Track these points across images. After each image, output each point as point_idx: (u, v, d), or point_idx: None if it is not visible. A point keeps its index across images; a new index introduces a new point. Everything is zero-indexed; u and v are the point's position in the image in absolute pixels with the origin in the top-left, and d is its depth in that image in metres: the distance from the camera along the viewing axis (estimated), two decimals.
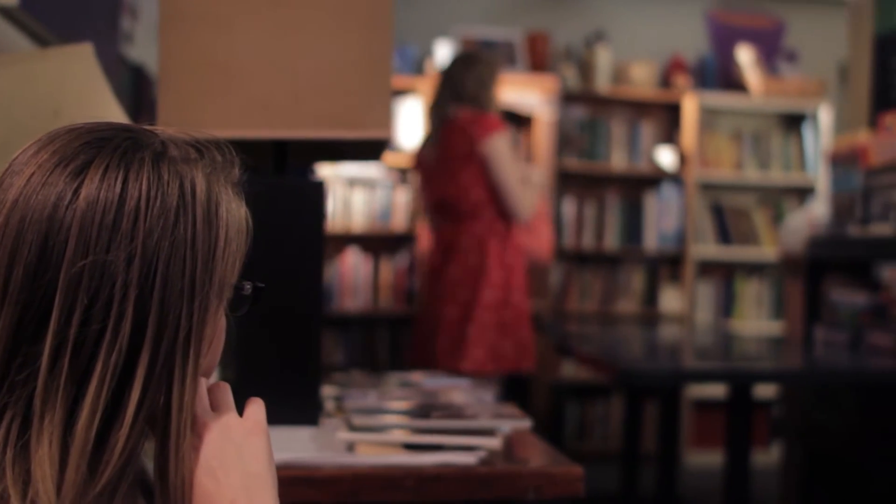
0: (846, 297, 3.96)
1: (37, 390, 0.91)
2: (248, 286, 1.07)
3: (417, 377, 2.41)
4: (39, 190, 0.93)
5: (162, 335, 0.94)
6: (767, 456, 5.71)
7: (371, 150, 2.13)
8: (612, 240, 6.29)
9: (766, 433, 6.06)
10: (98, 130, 0.98)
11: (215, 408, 1.02)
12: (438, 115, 4.07)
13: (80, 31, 2.60)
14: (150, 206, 0.94)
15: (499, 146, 3.93)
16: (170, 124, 1.82)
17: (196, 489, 0.96)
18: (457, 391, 2.18)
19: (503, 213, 4.02)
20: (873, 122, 4.12)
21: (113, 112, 1.62)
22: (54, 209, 0.92)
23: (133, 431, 0.93)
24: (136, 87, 3.61)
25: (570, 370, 6.12)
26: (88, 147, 0.96)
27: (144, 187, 0.94)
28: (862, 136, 4.02)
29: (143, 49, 3.65)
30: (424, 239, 4.24)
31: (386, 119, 1.88)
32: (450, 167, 3.98)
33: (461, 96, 4.03)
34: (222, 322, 1.04)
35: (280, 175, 2.02)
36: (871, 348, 3.66)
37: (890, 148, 3.71)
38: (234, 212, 1.02)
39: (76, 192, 0.93)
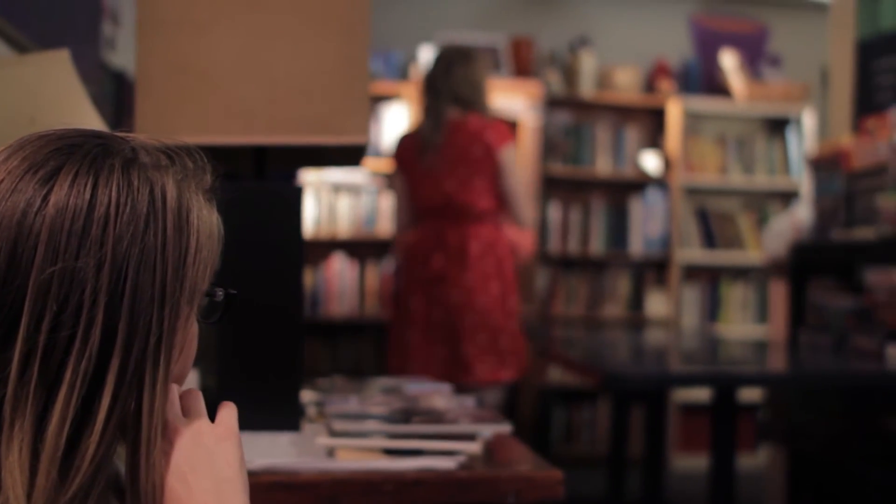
0: (831, 301, 3.96)
1: (6, 397, 0.90)
2: (220, 292, 1.07)
3: (399, 382, 2.41)
4: (9, 196, 0.92)
5: (132, 341, 0.93)
6: (755, 460, 5.72)
7: (351, 155, 2.12)
8: (597, 244, 6.30)
9: (752, 437, 6.08)
10: (68, 137, 0.98)
11: (187, 414, 1.02)
12: (435, 115, 4.01)
13: (60, 37, 2.60)
14: (120, 213, 0.94)
15: (513, 156, 4.03)
16: (148, 130, 1.82)
17: (167, 494, 0.96)
18: (438, 396, 2.17)
19: (502, 218, 4.04)
20: (856, 127, 4.13)
21: (90, 119, 1.62)
22: (23, 215, 0.92)
23: (104, 437, 0.92)
24: (118, 93, 3.60)
25: (556, 375, 6.13)
26: (58, 153, 0.95)
27: (114, 194, 0.94)
28: (845, 140, 4.03)
29: (125, 55, 3.64)
30: (412, 239, 4.15)
31: (364, 125, 1.88)
32: (459, 171, 3.95)
33: (457, 97, 3.99)
34: (194, 328, 1.03)
35: (259, 180, 2.02)
36: (856, 351, 3.67)
37: (872, 151, 3.72)
38: (206, 218, 1.02)
39: (45, 198, 0.92)
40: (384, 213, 5.99)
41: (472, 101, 4.01)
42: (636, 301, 6.36)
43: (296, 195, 1.97)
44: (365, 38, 1.90)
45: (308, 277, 5.99)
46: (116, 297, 0.93)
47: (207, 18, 1.86)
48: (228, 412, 1.04)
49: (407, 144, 4.12)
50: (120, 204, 0.94)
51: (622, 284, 6.36)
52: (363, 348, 6.08)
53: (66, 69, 1.65)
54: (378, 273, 6.02)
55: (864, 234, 3.74)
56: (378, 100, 6.02)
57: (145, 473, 0.95)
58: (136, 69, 1.85)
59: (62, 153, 0.95)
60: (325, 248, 6.01)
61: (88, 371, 0.92)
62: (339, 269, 6.00)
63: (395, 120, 5.99)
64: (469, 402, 2.13)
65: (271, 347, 1.95)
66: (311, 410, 2.08)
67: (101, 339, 0.92)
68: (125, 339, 0.93)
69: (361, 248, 6.07)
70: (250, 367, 1.94)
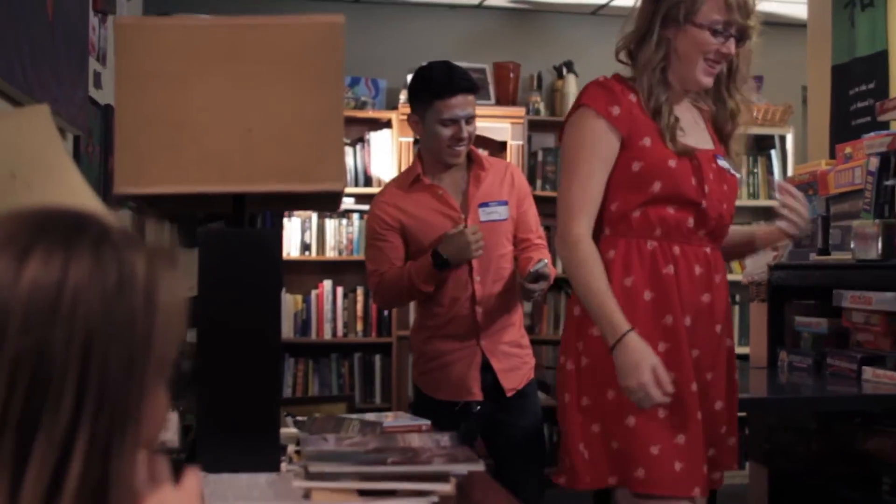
0: (809, 322, 4.01)
1: None
2: (187, 363, 1.11)
3: (380, 417, 2.45)
4: None
5: (101, 413, 0.97)
6: (742, 479, 5.76)
7: (327, 200, 2.17)
8: None
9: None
10: (42, 214, 1.03)
11: (152, 480, 1.06)
12: None
13: (48, 74, 2.64)
14: (90, 290, 0.98)
15: None
16: (127, 180, 1.88)
17: None
18: (415, 434, 2.22)
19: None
20: (834, 151, 4.19)
21: (69, 174, 1.66)
22: None
23: None
24: (106, 126, 3.66)
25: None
26: (32, 230, 1.00)
27: (85, 271, 0.98)
28: (822, 165, 4.09)
29: (110, 93, 3.70)
30: None
31: (339, 172, 1.93)
32: None
33: None
34: (162, 398, 1.07)
35: (237, 224, 2.07)
36: (834, 372, 3.72)
37: (848, 177, 3.78)
38: (173, 293, 1.06)
39: (19, 274, 0.96)
40: None
41: None
42: None
43: (274, 239, 2.02)
44: (339, 87, 1.95)
45: (298, 301, 6.04)
46: (85, 371, 0.97)
47: (184, 69, 1.91)
48: (192, 477, 1.08)
49: None
50: (90, 281, 0.98)
51: None
52: (351, 370, 6.12)
53: (46, 124, 1.70)
54: (366, 297, 6.07)
55: (841, 257, 3.79)
56: (367, 127, 6.08)
57: None
58: (115, 120, 1.90)
59: (36, 230, 1.00)
60: (314, 272, 6.06)
61: (60, 441, 0.96)
62: (328, 293, 6.05)
63: (383, 147, 6.05)
64: (445, 439, 2.16)
65: (250, 389, 1.99)
66: (291, 449, 2.12)
67: (71, 411, 0.96)
68: (94, 411, 0.97)
69: (350, 273, 6.11)
70: (230, 408, 1.98)
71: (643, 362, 2.33)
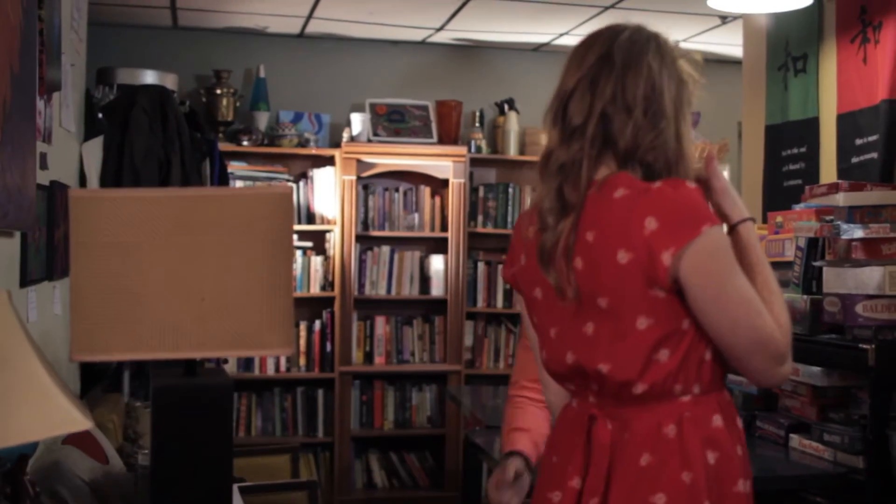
0: (740, 381, 4.13)
1: None
2: None
3: None
4: None
5: None
6: None
7: None
8: None
9: None
10: None
11: None
12: None
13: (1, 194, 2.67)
14: None
15: None
16: (83, 348, 1.94)
17: None
18: None
19: None
20: (766, 217, 4.31)
21: (29, 363, 1.72)
22: None
23: None
24: (50, 203, 3.70)
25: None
26: None
27: None
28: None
29: (57, 167, 3.73)
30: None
31: (287, 338, 2.02)
32: None
33: None
34: None
35: (191, 377, 2.15)
36: (763, 436, 3.84)
37: (778, 247, 3.90)
38: None
39: None
40: (315, 274, 6.10)
41: None
42: None
43: (226, 391, 2.10)
44: (288, 255, 2.03)
45: None
46: None
47: (137, 241, 1.98)
48: None
49: None
50: None
51: None
52: (294, 405, 6.18)
53: (5, 310, 1.76)
54: (308, 332, 6.13)
55: None
56: (309, 163, 6.13)
57: None
58: (71, 291, 1.96)
59: None
60: None
61: None
62: None
63: (326, 184, 6.10)
64: None
65: None
66: None
67: None
68: None
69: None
70: None
71: None
